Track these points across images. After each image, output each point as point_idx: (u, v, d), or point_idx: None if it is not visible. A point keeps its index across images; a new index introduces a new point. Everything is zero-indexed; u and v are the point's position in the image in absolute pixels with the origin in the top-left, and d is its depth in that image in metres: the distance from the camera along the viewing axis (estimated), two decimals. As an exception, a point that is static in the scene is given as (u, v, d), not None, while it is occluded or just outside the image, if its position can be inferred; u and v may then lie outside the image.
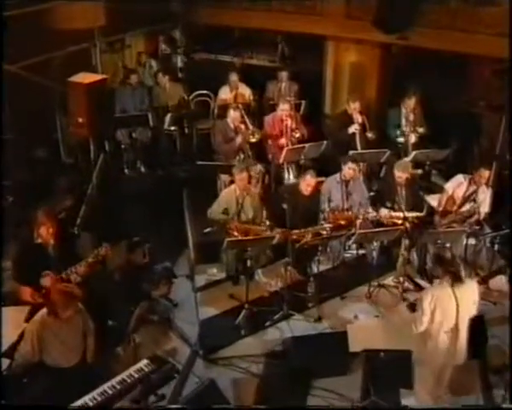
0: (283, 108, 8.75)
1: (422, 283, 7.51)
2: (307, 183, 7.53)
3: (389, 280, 7.60)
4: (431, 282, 7.26)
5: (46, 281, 5.68)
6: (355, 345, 5.78)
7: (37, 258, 5.83)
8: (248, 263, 7.01)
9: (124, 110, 9.45)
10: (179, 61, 11.66)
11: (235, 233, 7.20)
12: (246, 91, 9.96)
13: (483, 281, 7.38)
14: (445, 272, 5.32)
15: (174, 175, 9.57)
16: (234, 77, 9.85)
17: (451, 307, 5.28)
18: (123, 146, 9.59)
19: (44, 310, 5.32)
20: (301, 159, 8.55)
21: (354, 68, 10.21)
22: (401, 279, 7.39)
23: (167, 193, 8.92)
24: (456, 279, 5.28)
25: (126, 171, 9.70)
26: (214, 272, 7.71)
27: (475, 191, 7.46)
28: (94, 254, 5.87)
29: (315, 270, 7.39)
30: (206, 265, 7.75)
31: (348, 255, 7.89)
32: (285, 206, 6.88)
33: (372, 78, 10.12)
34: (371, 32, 9.18)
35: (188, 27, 11.48)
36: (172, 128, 9.77)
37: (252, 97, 9.89)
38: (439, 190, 8.33)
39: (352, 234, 7.15)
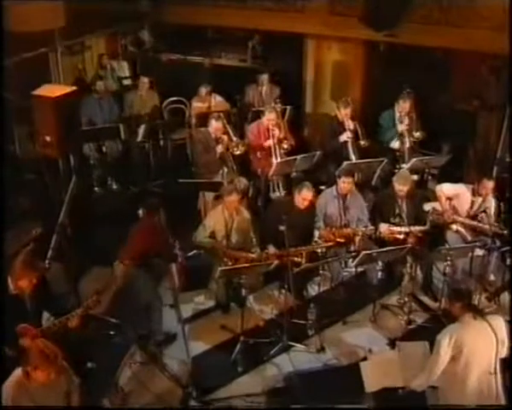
0: (270, 118, 8.05)
1: (429, 302, 7.03)
2: (303, 196, 6.88)
3: (393, 300, 7.09)
4: (436, 301, 6.91)
5: (26, 341, 4.94)
6: (371, 384, 5.25)
7: (13, 312, 5.09)
8: (243, 292, 6.36)
9: (91, 122, 8.63)
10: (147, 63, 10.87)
11: (225, 259, 6.63)
12: (220, 103, 9.28)
13: (493, 296, 6.94)
14: (464, 308, 4.78)
15: (149, 192, 8.73)
16: (202, 91, 9.16)
17: (481, 347, 4.70)
18: (92, 162, 8.80)
19: (19, 371, 4.50)
20: (292, 171, 7.95)
21: (337, 68, 9.66)
22: (406, 299, 6.88)
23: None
24: (477, 312, 4.79)
25: (96, 189, 8.95)
26: (202, 301, 7.08)
27: (483, 202, 7.03)
28: (83, 306, 5.23)
29: (313, 293, 6.90)
30: (191, 292, 7.10)
31: (346, 273, 7.31)
32: (282, 228, 6.23)
33: (357, 78, 9.58)
34: (357, 30, 8.65)
35: (156, 27, 10.73)
36: (145, 140, 9.05)
37: (228, 106, 9.24)
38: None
39: (356, 255, 6.57)
